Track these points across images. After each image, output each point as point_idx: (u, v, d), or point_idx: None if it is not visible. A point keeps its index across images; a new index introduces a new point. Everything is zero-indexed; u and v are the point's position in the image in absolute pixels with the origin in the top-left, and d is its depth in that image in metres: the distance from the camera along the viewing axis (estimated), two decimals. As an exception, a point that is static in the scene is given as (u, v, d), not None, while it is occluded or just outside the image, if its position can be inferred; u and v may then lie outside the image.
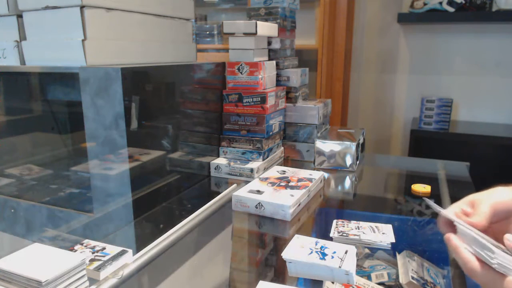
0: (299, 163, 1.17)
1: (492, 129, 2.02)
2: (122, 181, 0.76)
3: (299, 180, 0.92)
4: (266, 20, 1.16)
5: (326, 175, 1.07)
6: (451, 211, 0.50)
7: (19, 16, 0.82)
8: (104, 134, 0.74)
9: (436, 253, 0.71)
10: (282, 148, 1.21)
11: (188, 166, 0.97)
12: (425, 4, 2.00)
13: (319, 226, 0.85)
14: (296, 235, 0.65)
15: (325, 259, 0.58)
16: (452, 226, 0.48)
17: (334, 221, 0.76)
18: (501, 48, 2.06)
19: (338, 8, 2.04)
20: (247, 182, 0.94)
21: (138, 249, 0.65)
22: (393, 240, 0.69)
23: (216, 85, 1.07)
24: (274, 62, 1.17)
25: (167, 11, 0.97)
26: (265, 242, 0.78)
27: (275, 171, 0.99)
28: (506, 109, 2.12)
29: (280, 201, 0.80)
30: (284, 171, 0.99)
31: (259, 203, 0.81)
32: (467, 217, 0.48)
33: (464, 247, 0.45)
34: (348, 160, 1.09)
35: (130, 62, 0.86)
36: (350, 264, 0.57)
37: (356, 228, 0.72)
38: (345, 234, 0.70)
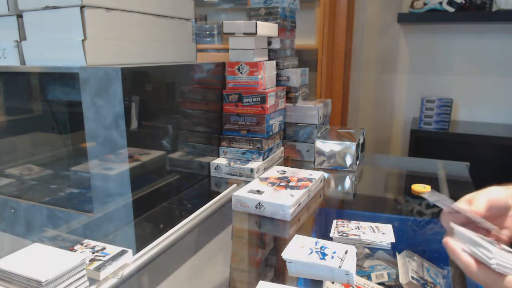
0: (299, 163, 1.17)
1: (492, 129, 2.02)
2: (122, 181, 0.76)
3: (299, 180, 0.92)
4: (266, 20, 1.16)
5: (326, 175, 1.07)
6: (450, 208, 0.51)
7: (19, 16, 0.82)
8: (104, 134, 0.74)
9: (436, 253, 0.71)
10: (282, 148, 1.21)
11: (188, 166, 0.97)
12: (425, 4, 2.00)
13: (319, 226, 0.85)
14: (296, 235, 0.65)
15: (325, 259, 0.58)
16: (454, 216, 0.50)
17: (334, 221, 0.76)
18: (501, 48, 2.06)
19: (338, 8, 2.04)
20: (247, 182, 0.94)
21: (138, 249, 0.65)
22: (393, 240, 0.69)
23: (216, 85, 1.07)
24: (274, 62, 1.17)
25: (167, 11, 0.97)
26: (265, 242, 0.78)
27: (275, 171, 0.99)
28: (506, 109, 2.12)
29: (280, 201, 0.80)
30: (284, 171, 0.99)
31: (259, 203, 0.81)
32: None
33: (462, 251, 0.45)
34: (348, 160, 1.09)
35: (130, 62, 0.86)
36: (350, 264, 0.57)
37: (356, 228, 0.72)
38: (345, 234, 0.70)
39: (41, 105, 0.96)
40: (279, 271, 0.65)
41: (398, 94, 2.33)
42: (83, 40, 0.75)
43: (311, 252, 0.60)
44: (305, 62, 1.95)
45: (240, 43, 1.07)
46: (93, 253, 0.59)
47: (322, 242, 0.63)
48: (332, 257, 0.58)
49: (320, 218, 0.88)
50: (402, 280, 0.62)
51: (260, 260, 0.71)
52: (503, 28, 2.04)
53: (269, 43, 1.17)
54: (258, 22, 1.03)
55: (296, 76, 1.20)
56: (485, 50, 2.09)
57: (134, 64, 0.84)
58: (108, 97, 0.72)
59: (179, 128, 0.93)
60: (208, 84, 1.04)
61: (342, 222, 0.75)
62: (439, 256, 0.69)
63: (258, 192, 0.85)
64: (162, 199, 0.87)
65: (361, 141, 1.18)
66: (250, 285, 0.63)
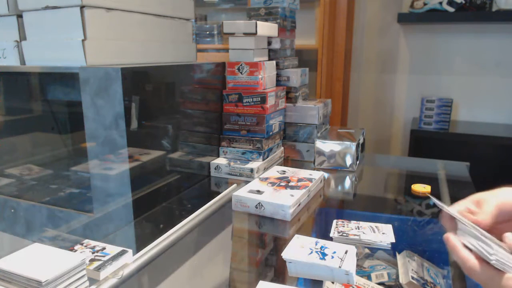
0: (299, 163, 1.17)
1: (492, 129, 2.02)
2: (122, 181, 0.76)
3: (299, 180, 0.92)
4: (266, 20, 1.16)
5: (326, 175, 1.07)
6: (455, 209, 0.50)
7: (19, 16, 0.82)
8: (104, 134, 0.74)
9: (436, 253, 0.71)
10: (282, 148, 1.21)
11: (188, 166, 0.97)
12: (425, 4, 2.00)
13: (319, 226, 0.85)
14: (296, 235, 0.65)
15: (325, 259, 0.58)
16: (455, 223, 0.48)
17: (334, 221, 0.76)
18: (501, 48, 2.06)
19: (338, 8, 2.04)
20: (247, 182, 0.94)
21: (138, 249, 0.65)
22: (393, 240, 0.69)
23: (216, 85, 1.07)
24: (274, 62, 1.17)
25: (167, 11, 0.97)
26: (265, 242, 0.78)
27: (275, 171, 0.99)
28: (506, 109, 2.12)
29: (280, 201, 0.80)
30: (284, 171, 0.99)
31: (259, 203, 0.81)
32: (472, 215, 0.48)
33: (462, 247, 0.45)
34: (348, 160, 1.09)
35: (130, 62, 0.86)
36: (350, 264, 0.57)
37: (356, 228, 0.72)
38: (345, 234, 0.70)
39: (41, 105, 0.96)
40: (279, 271, 0.65)
41: (398, 94, 2.33)
42: (83, 40, 0.75)
43: (311, 252, 0.60)
44: (305, 62, 1.95)
45: (240, 43, 1.07)
46: (93, 253, 0.59)
47: (322, 242, 0.63)
48: (332, 257, 0.58)
49: (320, 218, 0.88)
50: (402, 280, 0.62)
51: (260, 260, 0.71)
52: (503, 28, 2.04)
53: (269, 43, 1.17)
54: (258, 22, 1.03)
55: (296, 76, 1.20)
56: (485, 50, 2.09)
57: (134, 64, 0.84)
58: (108, 97, 0.72)
59: (179, 128, 0.93)
60: (208, 84, 1.04)
61: (342, 222, 0.75)
62: (439, 256, 0.69)
63: (258, 192, 0.85)
64: (162, 199, 0.87)
65: (361, 141, 1.18)
66: (250, 285, 0.63)
